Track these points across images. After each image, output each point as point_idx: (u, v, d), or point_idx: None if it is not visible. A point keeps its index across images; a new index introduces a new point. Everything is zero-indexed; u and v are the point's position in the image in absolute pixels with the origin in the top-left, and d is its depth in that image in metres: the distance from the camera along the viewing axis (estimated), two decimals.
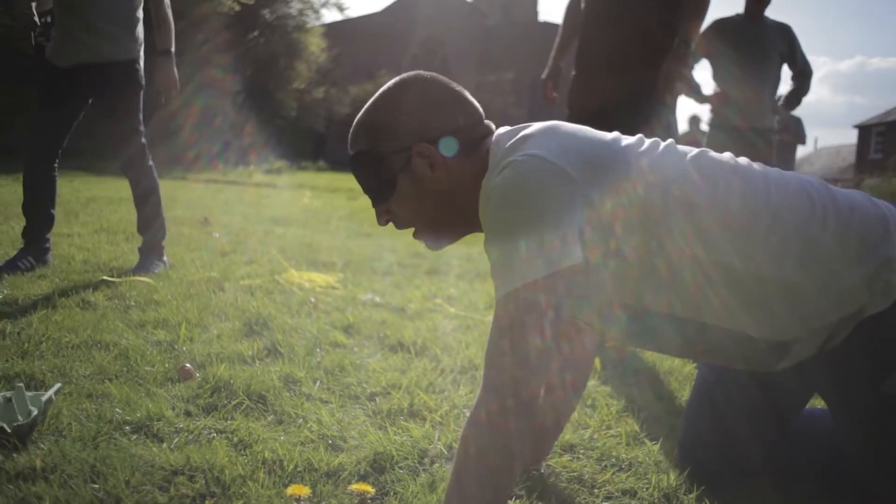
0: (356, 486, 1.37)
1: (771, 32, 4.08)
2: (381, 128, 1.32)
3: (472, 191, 1.31)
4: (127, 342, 2.20)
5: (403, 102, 1.32)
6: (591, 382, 2.18)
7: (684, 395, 2.15)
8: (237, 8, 17.02)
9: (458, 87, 1.36)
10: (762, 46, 4.04)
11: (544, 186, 1.15)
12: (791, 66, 4.15)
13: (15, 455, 1.43)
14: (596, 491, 1.50)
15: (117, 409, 1.68)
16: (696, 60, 4.19)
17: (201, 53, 17.85)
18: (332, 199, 9.91)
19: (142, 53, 3.35)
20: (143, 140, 3.33)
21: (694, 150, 1.34)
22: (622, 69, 2.80)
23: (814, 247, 1.25)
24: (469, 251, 5.11)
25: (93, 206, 6.18)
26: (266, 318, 2.60)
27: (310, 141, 22.95)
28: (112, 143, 3.34)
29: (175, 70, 3.39)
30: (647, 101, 2.75)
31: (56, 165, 3.30)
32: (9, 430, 1.47)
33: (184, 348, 2.20)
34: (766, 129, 4.09)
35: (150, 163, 3.39)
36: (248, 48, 20.95)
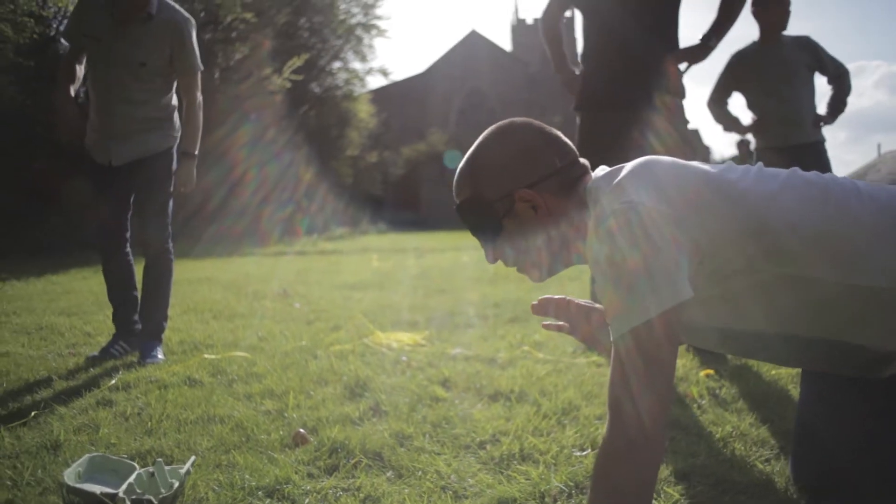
0: None
1: (791, 49, 4.08)
2: (482, 176, 1.41)
3: (575, 226, 1.38)
4: (240, 413, 2.31)
5: (502, 151, 1.41)
6: (693, 412, 2.19)
7: (785, 417, 2.14)
8: (288, 85, 17.61)
9: (553, 130, 1.44)
10: (787, 64, 4.05)
11: (649, 230, 1.20)
12: (823, 73, 4.13)
13: None
14: None
15: (246, 476, 1.78)
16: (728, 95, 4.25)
17: (254, 130, 18.57)
18: (400, 260, 10.09)
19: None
20: (168, 222, 3.35)
21: (783, 173, 1.37)
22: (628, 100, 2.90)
23: None
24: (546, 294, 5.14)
25: (175, 289, 6.44)
26: (364, 379, 2.69)
27: (368, 205, 23.42)
28: (147, 225, 3.31)
29: (194, 171, 3.33)
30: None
31: (128, 250, 3.35)
32: (156, 503, 1.58)
33: (294, 415, 2.30)
34: (812, 143, 4.06)
35: (170, 245, 3.37)
36: (300, 121, 21.65)
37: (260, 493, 1.69)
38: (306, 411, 2.33)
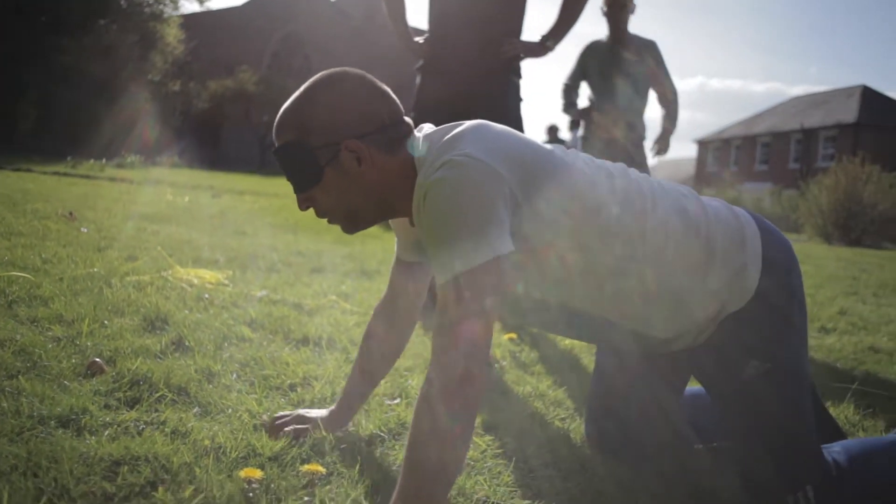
0: (307, 468, 1.42)
1: (636, 49, 4.42)
2: (310, 122, 1.38)
3: (397, 184, 1.40)
4: (24, 338, 2.11)
5: (334, 98, 1.39)
6: (496, 372, 2.31)
7: (580, 382, 2.32)
8: None
9: (384, 86, 1.44)
10: (627, 64, 4.38)
11: (479, 182, 1.26)
12: (655, 87, 4.51)
13: None
14: (521, 465, 1.62)
15: (36, 404, 1.63)
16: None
17: (47, 37, 16.78)
18: (196, 197, 9.61)
19: None
20: None
21: (608, 163, 1.50)
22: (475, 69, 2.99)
23: (691, 254, 1.44)
24: (351, 250, 5.16)
25: None
26: (165, 313, 2.56)
27: (165, 136, 21.99)
28: None
29: None
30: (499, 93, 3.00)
31: None
32: None
33: (87, 343, 2.14)
34: (636, 138, 4.42)
35: None
36: (98, 35, 19.82)
37: (52, 422, 1.56)
38: (102, 340, 2.18)
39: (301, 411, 1.70)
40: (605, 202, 1.39)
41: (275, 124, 1.42)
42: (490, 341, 1.26)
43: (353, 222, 1.46)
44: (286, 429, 1.62)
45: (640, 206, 1.42)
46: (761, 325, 1.47)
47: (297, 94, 1.42)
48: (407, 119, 1.45)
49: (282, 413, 1.71)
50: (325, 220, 1.48)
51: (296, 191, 1.43)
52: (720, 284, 1.45)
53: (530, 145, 1.39)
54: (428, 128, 1.46)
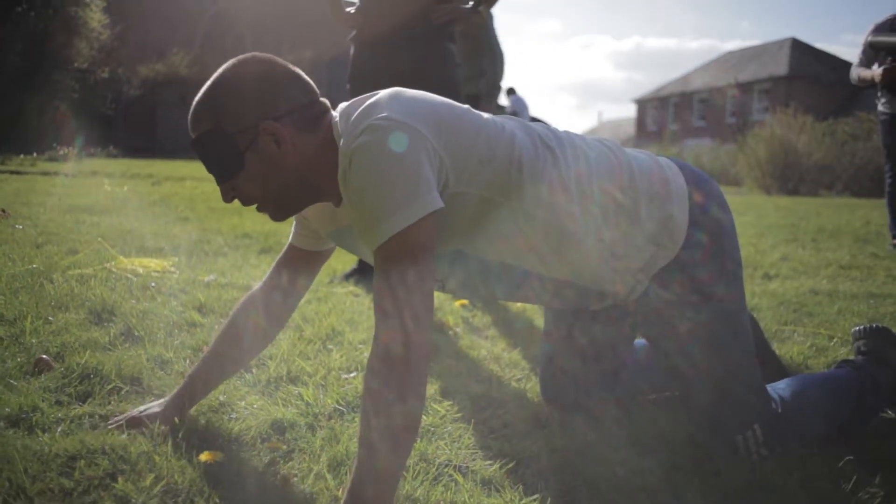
0: (268, 445, 1.42)
1: None
2: (224, 108, 1.37)
3: (319, 163, 1.39)
4: None
5: (246, 82, 1.38)
6: (451, 338, 2.33)
7: (531, 343, 2.36)
8: None
9: (295, 68, 1.44)
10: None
11: (401, 142, 1.26)
12: None
13: None
14: (481, 427, 1.65)
15: None
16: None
17: None
18: (135, 186, 9.37)
19: None
20: None
21: (537, 124, 1.52)
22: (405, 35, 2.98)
23: (619, 207, 1.47)
24: None
25: None
26: (111, 305, 2.51)
27: (97, 126, 21.30)
28: None
29: None
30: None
31: None
32: None
33: (32, 340, 2.08)
34: None
35: None
36: (16, 24, 19.04)
37: (1, 423, 1.53)
38: (47, 336, 2.13)
39: (133, 412, 1.58)
40: (523, 153, 1.40)
41: (189, 117, 1.40)
42: (432, 301, 1.26)
43: (280, 208, 1.44)
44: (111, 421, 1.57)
45: (560, 155, 1.44)
46: (692, 277, 1.51)
47: (207, 83, 1.40)
48: (322, 99, 1.45)
49: (115, 417, 1.60)
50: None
51: (218, 182, 1.41)
52: (648, 233, 1.48)
53: (446, 103, 1.41)
54: (342, 105, 1.46)
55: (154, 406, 1.62)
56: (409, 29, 2.97)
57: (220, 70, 1.40)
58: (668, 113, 39.34)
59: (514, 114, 12.53)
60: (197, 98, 1.39)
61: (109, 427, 1.54)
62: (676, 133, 34.89)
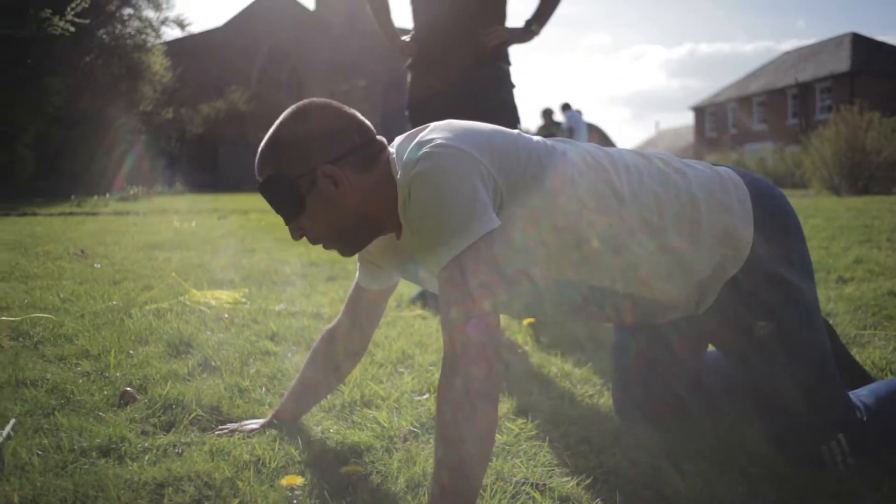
0: (346, 469, 1.44)
1: None
2: (285, 154, 1.45)
3: (378, 199, 1.45)
4: (54, 376, 2.15)
5: (304, 129, 1.46)
6: (521, 357, 2.34)
7: (602, 358, 2.34)
8: (72, 29, 15.92)
9: (351, 110, 1.51)
10: None
11: (459, 165, 1.31)
12: None
13: None
14: (556, 444, 1.65)
15: (75, 437, 1.67)
16: None
17: (34, 80, 16.86)
18: (203, 221, 9.66)
19: None
20: None
21: (587, 144, 1.54)
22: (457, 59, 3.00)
23: (680, 218, 1.47)
24: None
25: None
26: (187, 337, 2.59)
27: (164, 165, 22.04)
28: None
29: None
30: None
31: None
32: None
33: (116, 374, 2.17)
34: None
35: None
36: (85, 72, 19.90)
37: (93, 453, 1.60)
38: (130, 370, 2.21)
39: (232, 426, 1.78)
40: (575, 172, 1.42)
41: (255, 162, 1.49)
42: (498, 320, 1.28)
43: (345, 245, 1.52)
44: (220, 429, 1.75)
45: (613, 170, 1.45)
46: (763, 285, 1.49)
47: (270, 130, 1.49)
48: (379, 137, 1.51)
49: (220, 428, 1.78)
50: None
51: (285, 222, 1.49)
52: (713, 242, 1.47)
53: (497, 130, 1.45)
54: (397, 139, 1.50)
55: (251, 423, 1.76)
56: (464, 52, 3.01)
57: (281, 117, 1.49)
58: (727, 118, 38.62)
59: (570, 129, 12.48)
60: (261, 145, 1.48)
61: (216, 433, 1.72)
62: (736, 138, 34.21)
